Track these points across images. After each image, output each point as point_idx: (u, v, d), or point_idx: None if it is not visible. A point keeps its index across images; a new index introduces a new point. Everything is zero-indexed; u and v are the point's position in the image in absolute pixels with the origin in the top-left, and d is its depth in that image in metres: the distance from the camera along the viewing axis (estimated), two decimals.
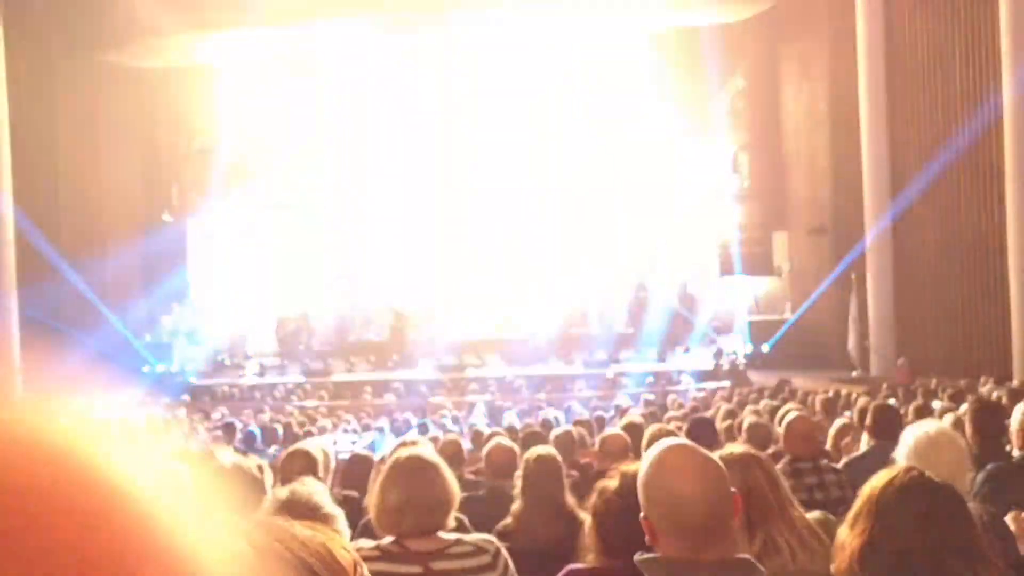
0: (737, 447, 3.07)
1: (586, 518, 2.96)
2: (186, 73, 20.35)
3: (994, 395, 8.81)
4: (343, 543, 0.91)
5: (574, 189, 23.72)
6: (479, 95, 22.11)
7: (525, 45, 20.58)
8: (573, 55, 20.59)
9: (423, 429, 9.91)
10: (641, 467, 2.11)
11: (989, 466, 3.79)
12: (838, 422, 6.76)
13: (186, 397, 15.95)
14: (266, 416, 12.35)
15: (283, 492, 2.42)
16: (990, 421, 4.33)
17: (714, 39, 19.27)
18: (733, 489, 2.07)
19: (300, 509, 2.26)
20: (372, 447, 7.29)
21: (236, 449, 6.75)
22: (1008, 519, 3.18)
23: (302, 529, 0.88)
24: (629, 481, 2.74)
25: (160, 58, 19.76)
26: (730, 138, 20.50)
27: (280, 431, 9.60)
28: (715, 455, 2.19)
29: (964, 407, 5.26)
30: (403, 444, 4.71)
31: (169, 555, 0.40)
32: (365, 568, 0.90)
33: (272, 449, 8.00)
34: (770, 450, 5.63)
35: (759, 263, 18.98)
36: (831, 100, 17.62)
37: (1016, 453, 3.97)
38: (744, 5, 19.09)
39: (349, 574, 0.88)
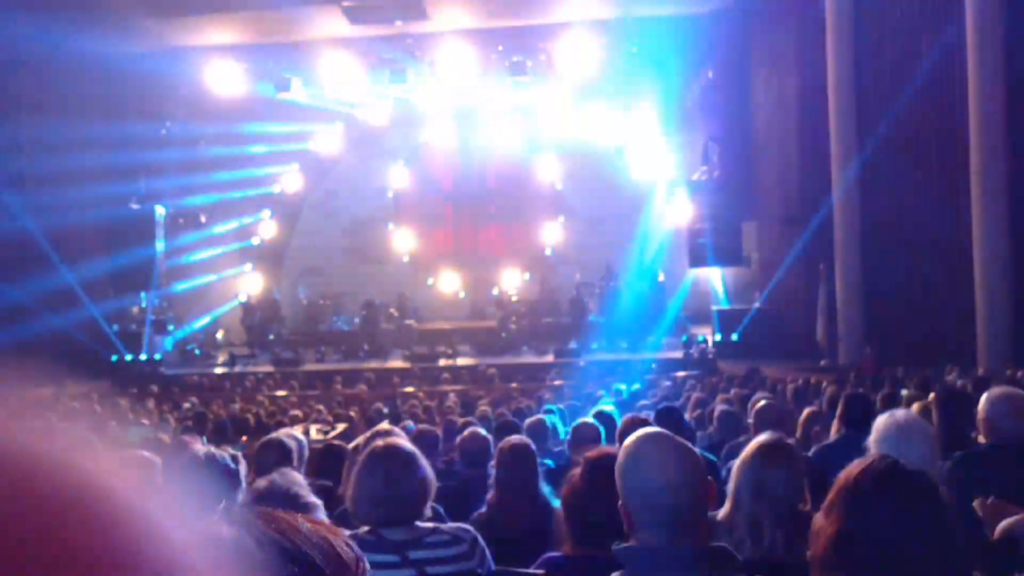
0: (773, 435, 3.10)
1: (558, 507, 2.99)
2: (154, 58, 20.09)
3: (959, 384, 8.96)
4: (346, 538, 0.91)
5: (545, 178, 23.80)
6: (453, 84, 22.06)
7: (496, 34, 20.52)
8: (544, 45, 20.55)
9: (395, 419, 9.89)
10: (619, 456, 2.13)
11: (956, 454, 3.85)
12: (806, 410, 6.84)
13: (154, 387, 15.80)
14: (236, 406, 12.28)
15: (263, 482, 2.41)
16: (957, 409, 4.40)
17: (684, 30, 19.34)
18: (709, 478, 2.10)
19: (280, 499, 2.26)
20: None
21: (208, 440, 6.71)
22: (975, 505, 3.24)
23: (304, 522, 0.89)
24: (593, 468, 2.77)
25: (127, 43, 19.48)
26: (700, 128, 20.61)
27: (251, 421, 9.55)
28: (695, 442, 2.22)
29: (931, 396, 5.34)
30: (378, 433, 4.71)
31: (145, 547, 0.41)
32: (367, 563, 0.91)
33: (243, 439, 7.96)
34: (740, 439, 5.69)
35: (729, 253, 19.10)
36: (800, 90, 17.74)
37: (982, 440, 4.03)
38: None
39: (352, 570, 0.89)
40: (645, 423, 4.54)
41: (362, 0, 18.31)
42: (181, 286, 21.12)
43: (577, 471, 2.90)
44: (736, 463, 2.96)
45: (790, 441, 3.04)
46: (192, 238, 21.55)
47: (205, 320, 22.02)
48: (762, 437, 3.04)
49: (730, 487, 2.90)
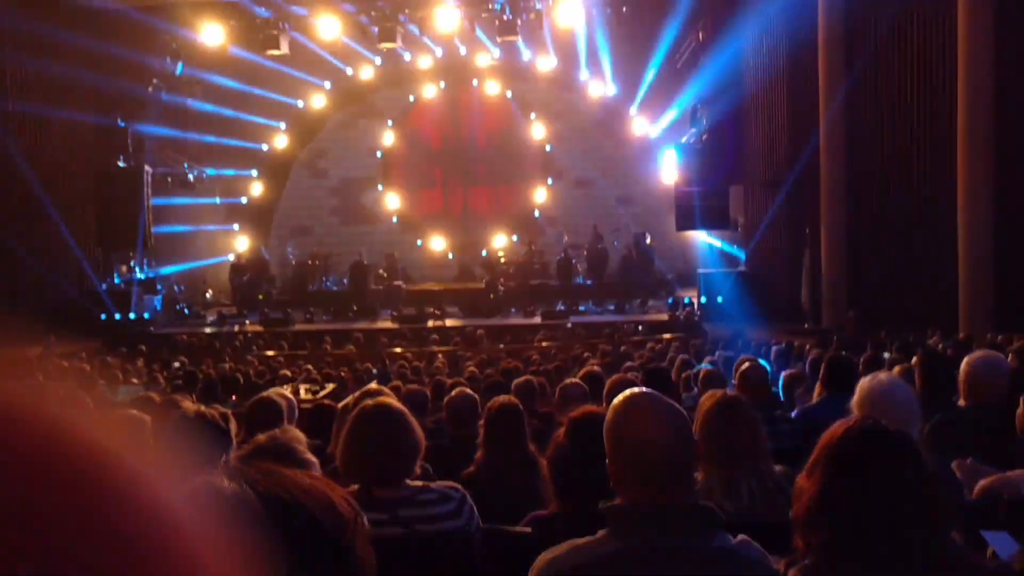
0: (726, 392, 3.17)
1: (545, 466, 3.03)
2: (143, 14, 19.79)
3: (940, 347, 9.05)
4: (343, 493, 0.94)
5: (534, 140, 23.69)
6: (442, 43, 21.88)
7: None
8: (534, 4, 20.34)
9: (384, 379, 9.95)
10: (607, 415, 2.16)
11: (936, 415, 3.91)
12: (785, 372, 6.92)
13: (143, 347, 15.78)
14: (226, 366, 12.29)
15: (263, 436, 2.43)
16: (937, 372, 4.47)
17: None
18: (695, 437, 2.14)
19: (277, 454, 2.28)
20: None
21: (197, 399, 6.73)
22: (953, 466, 3.30)
23: (304, 477, 0.92)
24: (575, 426, 2.81)
25: None
26: (689, 91, 20.50)
27: (241, 381, 9.58)
28: (679, 400, 2.25)
29: (913, 359, 5.41)
30: (367, 393, 4.75)
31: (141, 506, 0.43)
32: (365, 518, 0.94)
33: (233, 399, 7.99)
34: None
35: (715, 216, 19.12)
36: (790, 54, 17.66)
37: (961, 403, 4.10)
38: None
39: (350, 524, 0.91)
40: (633, 383, 4.59)
41: None
42: (167, 238, 20.93)
43: (562, 430, 2.95)
44: (697, 426, 2.99)
45: (739, 395, 3.10)
46: (179, 194, 21.39)
47: (191, 269, 21.88)
48: (714, 396, 3.08)
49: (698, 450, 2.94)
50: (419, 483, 2.97)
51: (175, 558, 0.43)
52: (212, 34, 20.06)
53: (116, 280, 19.66)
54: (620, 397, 2.16)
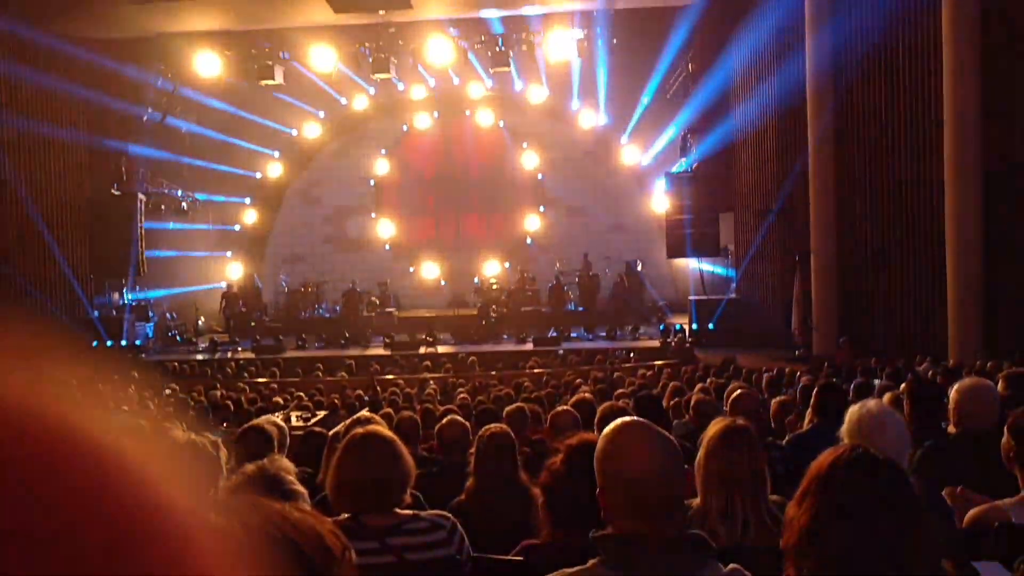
0: (727, 419, 3.16)
1: (537, 494, 3.02)
2: (137, 44, 19.89)
3: (930, 374, 9.06)
4: (331, 527, 0.94)
5: (526, 168, 23.79)
6: (435, 73, 22.01)
7: (479, 24, 20.44)
8: (525, 36, 20.49)
9: (375, 406, 9.89)
10: (598, 444, 2.15)
11: (926, 443, 3.91)
12: (775, 399, 6.89)
13: (135, 374, 15.68)
14: (217, 393, 12.23)
15: (251, 467, 2.41)
16: (927, 399, 4.47)
17: (664, 22, 19.36)
18: (686, 466, 2.13)
19: (266, 485, 2.27)
20: None
21: (188, 426, 6.69)
22: (944, 494, 3.31)
23: (293, 510, 0.92)
24: (573, 454, 2.80)
25: (110, 28, 19.28)
26: (680, 120, 20.66)
27: (232, 408, 9.53)
28: (671, 428, 2.25)
29: (903, 386, 5.41)
30: (358, 421, 4.73)
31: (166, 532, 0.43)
32: (353, 552, 0.94)
33: (224, 426, 7.95)
34: None
35: (706, 244, 19.21)
36: (778, 83, 17.81)
37: (951, 430, 4.10)
38: None
39: (337, 558, 0.92)
40: (624, 411, 4.58)
41: None
42: (159, 263, 20.90)
43: (557, 458, 2.94)
44: (701, 452, 2.99)
45: (747, 423, 3.09)
46: (172, 220, 21.40)
47: (183, 295, 21.85)
48: (721, 423, 3.08)
49: (698, 476, 2.93)
50: (409, 512, 2.96)
51: (181, 560, 0.43)
52: (208, 64, 20.15)
53: (108, 305, 19.62)
54: (610, 427, 2.15)
